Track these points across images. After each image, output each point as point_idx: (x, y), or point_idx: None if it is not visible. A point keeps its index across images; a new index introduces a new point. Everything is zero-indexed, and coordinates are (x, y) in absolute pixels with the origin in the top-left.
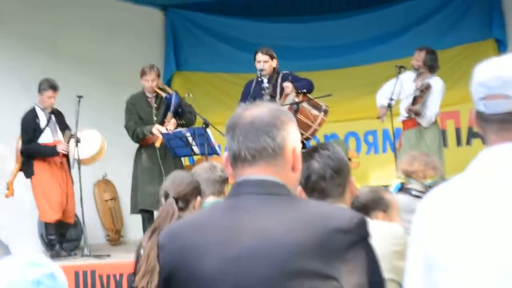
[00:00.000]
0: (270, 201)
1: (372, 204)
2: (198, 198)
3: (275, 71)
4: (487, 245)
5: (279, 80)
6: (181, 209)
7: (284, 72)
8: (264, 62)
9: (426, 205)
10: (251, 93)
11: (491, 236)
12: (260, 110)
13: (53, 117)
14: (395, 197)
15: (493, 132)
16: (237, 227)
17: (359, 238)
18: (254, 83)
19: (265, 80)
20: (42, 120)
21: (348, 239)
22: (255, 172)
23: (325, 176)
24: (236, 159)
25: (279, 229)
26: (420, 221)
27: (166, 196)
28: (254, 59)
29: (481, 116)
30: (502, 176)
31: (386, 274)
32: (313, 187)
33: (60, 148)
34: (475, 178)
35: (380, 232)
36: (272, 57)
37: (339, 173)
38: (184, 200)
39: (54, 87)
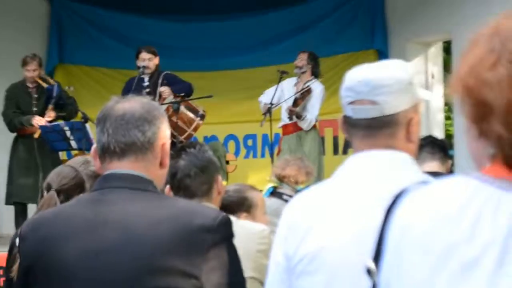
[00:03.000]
0: (136, 196)
1: (236, 205)
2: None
3: (157, 70)
4: (342, 253)
5: (160, 80)
6: (62, 203)
7: (166, 72)
8: (148, 60)
9: (290, 209)
10: (131, 91)
11: (346, 243)
12: (132, 103)
13: None
14: (260, 196)
15: (358, 138)
16: (99, 220)
17: (222, 237)
18: (135, 80)
19: (146, 79)
20: None
21: (211, 238)
22: (123, 167)
23: (189, 174)
24: (105, 152)
25: (142, 225)
26: (283, 225)
27: (48, 188)
28: (136, 57)
29: (348, 121)
30: (360, 184)
31: (250, 272)
32: (179, 185)
33: None
34: (338, 185)
35: (245, 231)
36: (155, 54)
37: (204, 171)
38: (66, 194)
39: None
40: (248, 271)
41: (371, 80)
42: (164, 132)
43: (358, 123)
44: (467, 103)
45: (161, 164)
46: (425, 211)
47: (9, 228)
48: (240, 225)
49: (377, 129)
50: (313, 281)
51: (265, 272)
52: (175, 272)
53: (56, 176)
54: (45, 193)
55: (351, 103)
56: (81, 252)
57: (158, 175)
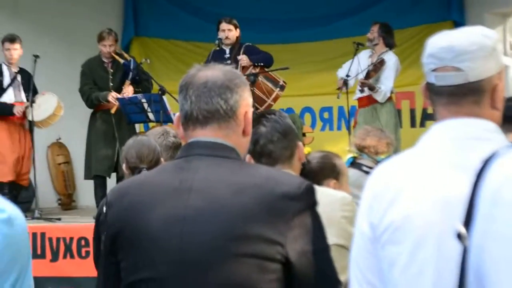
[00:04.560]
0: (220, 164)
1: (325, 171)
2: (162, 163)
3: (238, 42)
4: (428, 220)
5: (241, 52)
6: None
7: (246, 44)
8: (228, 31)
9: (375, 178)
10: (212, 61)
11: (432, 211)
12: (214, 71)
13: (18, 77)
14: (345, 164)
15: (441, 105)
16: (185, 188)
17: (306, 205)
18: (214, 52)
19: (227, 51)
20: (6, 78)
21: (295, 205)
22: (206, 134)
23: (272, 139)
24: (188, 120)
25: (227, 192)
26: (368, 194)
27: (136, 168)
28: (217, 28)
29: (431, 88)
30: (448, 153)
31: (334, 239)
32: (261, 151)
33: (16, 110)
34: (422, 153)
35: (329, 198)
36: (236, 27)
37: (286, 136)
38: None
39: (9, 39)
40: (332, 238)
41: (455, 46)
42: (247, 100)
43: (441, 90)
44: None
45: (244, 132)
46: None
47: (88, 201)
48: (322, 192)
49: (461, 96)
50: (399, 250)
51: (350, 239)
52: (259, 239)
53: (139, 155)
54: (125, 170)
55: (434, 70)
56: (166, 219)
57: (241, 142)
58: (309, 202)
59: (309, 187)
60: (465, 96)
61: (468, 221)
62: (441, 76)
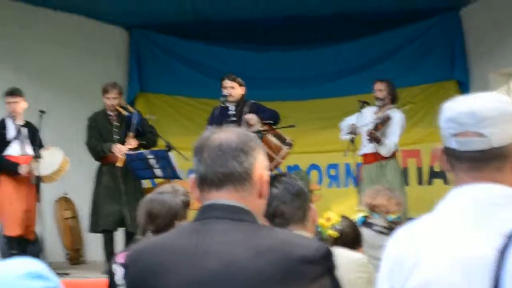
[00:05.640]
0: (236, 227)
1: (358, 239)
2: (176, 223)
3: (242, 99)
4: (448, 282)
5: (245, 109)
6: None
7: (251, 101)
8: (231, 88)
9: (396, 241)
10: (216, 120)
11: (451, 273)
12: (228, 134)
13: (24, 130)
14: None
15: (462, 170)
16: (201, 251)
17: (325, 269)
18: (219, 109)
19: (232, 108)
20: (10, 131)
21: (314, 269)
22: (222, 197)
23: (284, 200)
24: (203, 182)
25: (243, 255)
26: (389, 258)
27: (144, 228)
28: (221, 85)
29: (451, 153)
30: (469, 217)
31: None
32: (274, 212)
33: (21, 170)
34: (443, 217)
35: (344, 259)
36: (240, 84)
37: (298, 197)
38: (164, 230)
39: (10, 93)
40: None
41: (476, 112)
42: (262, 163)
43: (463, 155)
44: None
45: (260, 195)
46: None
47: (95, 255)
48: (338, 254)
49: (483, 162)
50: None
51: None
52: None
53: (147, 215)
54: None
55: (455, 135)
56: (182, 282)
57: (257, 205)
58: (328, 265)
59: (328, 250)
60: (487, 162)
61: (496, 282)
62: (464, 141)
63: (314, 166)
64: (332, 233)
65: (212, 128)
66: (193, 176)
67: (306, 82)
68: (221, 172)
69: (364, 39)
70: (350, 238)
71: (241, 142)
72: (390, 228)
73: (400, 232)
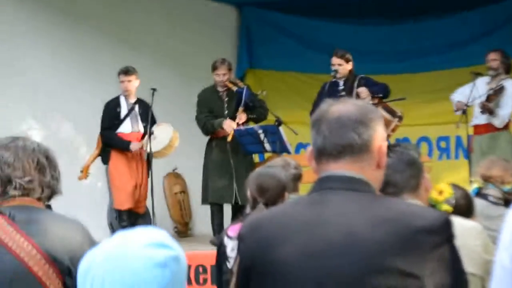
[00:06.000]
0: (354, 198)
1: (471, 208)
2: (285, 195)
3: (351, 74)
4: None
5: (355, 84)
6: None
7: (361, 76)
8: (338, 65)
9: None
10: (326, 94)
11: None
12: (346, 106)
13: (136, 108)
14: None
15: None
16: (320, 222)
17: (444, 239)
18: (328, 84)
19: (341, 83)
20: (123, 109)
21: (433, 239)
22: (340, 168)
23: (398, 169)
24: (321, 154)
25: (363, 226)
26: (509, 228)
27: (254, 201)
28: (330, 62)
29: None
30: None
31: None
32: (387, 180)
33: (132, 147)
34: None
35: (460, 227)
36: (347, 60)
37: (412, 165)
38: (274, 202)
39: (124, 72)
40: (466, 267)
41: None
42: (381, 134)
43: None
44: None
45: (378, 166)
46: None
47: (204, 228)
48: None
49: None
50: None
51: (483, 267)
52: (398, 272)
53: (258, 188)
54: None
55: None
56: (300, 253)
57: (375, 176)
58: (447, 235)
59: (446, 220)
60: None
61: None
62: None
63: (424, 139)
64: (447, 207)
65: (331, 100)
66: (310, 148)
67: (415, 54)
68: (339, 144)
69: (477, 10)
70: (464, 208)
71: (360, 114)
72: (505, 199)
73: None
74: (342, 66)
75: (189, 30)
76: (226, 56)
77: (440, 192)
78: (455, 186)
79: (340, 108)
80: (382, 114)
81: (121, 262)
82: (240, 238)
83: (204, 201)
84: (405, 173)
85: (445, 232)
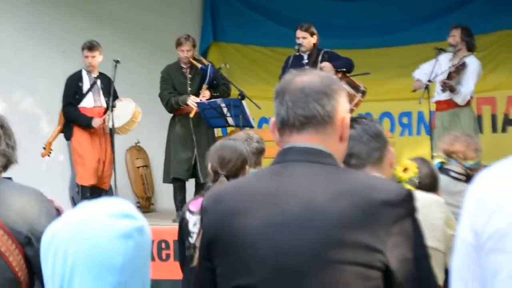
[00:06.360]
0: (317, 170)
1: (436, 185)
2: (246, 168)
3: (316, 48)
4: None
5: (319, 58)
6: None
7: (325, 50)
8: (303, 39)
9: (477, 185)
10: (290, 68)
11: None
12: (310, 77)
13: (98, 82)
14: None
15: None
16: (281, 194)
17: (406, 212)
18: (291, 57)
19: (305, 57)
20: (86, 83)
21: (395, 212)
22: (303, 140)
23: (362, 140)
24: (284, 125)
25: (325, 198)
26: (470, 201)
27: (215, 173)
28: (294, 35)
29: None
30: None
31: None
32: (351, 152)
33: (94, 123)
34: None
35: (422, 201)
36: (312, 34)
37: (377, 138)
38: (235, 175)
39: (88, 47)
40: (428, 241)
41: None
42: (344, 106)
43: None
44: None
45: (341, 138)
46: None
47: (167, 204)
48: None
49: None
50: (504, 258)
51: (445, 241)
52: (359, 246)
53: (220, 160)
54: (211, 173)
55: None
56: (263, 224)
57: (338, 148)
58: (409, 208)
59: (409, 193)
60: None
61: None
62: None
63: (386, 114)
64: (410, 187)
65: (294, 71)
66: (273, 119)
67: (380, 29)
68: (302, 115)
69: None
70: (429, 186)
71: (323, 85)
72: (467, 174)
73: (482, 175)
74: (307, 40)
75: (155, 2)
76: (190, 30)
77: (405, 170)
78: (422, 162)
79: (303, 79)
80: (345, 89)
81: (85, 233)
82: (203, 210)
83: (166, 179)
84: (369, 145)
85: (407, 205)
